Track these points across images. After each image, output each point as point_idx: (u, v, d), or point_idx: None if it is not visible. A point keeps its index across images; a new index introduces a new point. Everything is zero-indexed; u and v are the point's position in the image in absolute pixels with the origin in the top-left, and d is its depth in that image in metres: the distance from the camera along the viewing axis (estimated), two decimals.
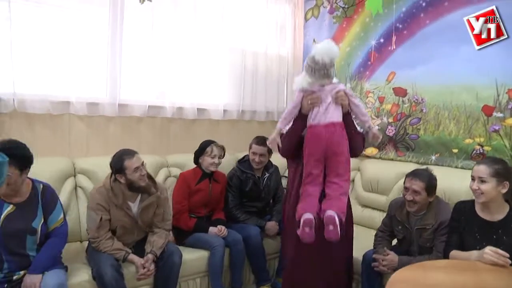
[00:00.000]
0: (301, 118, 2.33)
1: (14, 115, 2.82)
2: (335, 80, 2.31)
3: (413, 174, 2.54)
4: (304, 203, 2.24)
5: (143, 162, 2.51)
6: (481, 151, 3.11)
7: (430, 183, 2.48)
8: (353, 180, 3.70)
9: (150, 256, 2.50)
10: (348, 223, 2.41)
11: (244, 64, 3.87)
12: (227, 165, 3.31)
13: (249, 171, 3.17)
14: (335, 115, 2.26)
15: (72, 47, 2.98)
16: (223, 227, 2.95)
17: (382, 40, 3.63)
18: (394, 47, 3.54)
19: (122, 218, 2.50)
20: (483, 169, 2.14)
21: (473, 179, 2.19)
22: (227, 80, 3.84)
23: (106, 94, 3.18)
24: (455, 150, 3.23)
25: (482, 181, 2.12)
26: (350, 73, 3.89)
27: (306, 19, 4.25)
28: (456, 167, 3.18)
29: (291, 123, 2.37)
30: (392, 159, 3.61)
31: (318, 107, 2.25)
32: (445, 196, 2.89)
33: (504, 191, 2.13)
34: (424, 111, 3.40)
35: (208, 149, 3.01)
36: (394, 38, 3.53)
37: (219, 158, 3.02)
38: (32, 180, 2.27)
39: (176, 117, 3.55)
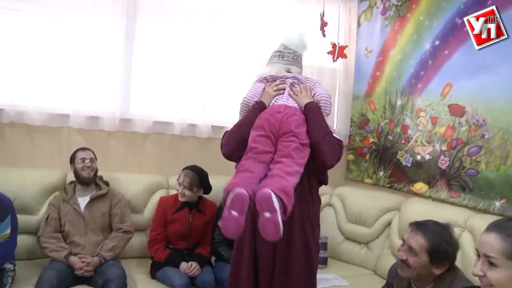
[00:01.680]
0: (258, 107, 1.85)
1: (14, 125, 2.84)
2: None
3: (416, 225, 1.75)
4: (236, 178, 1.58)
5: (93, 158, 2.61)
6: None
7: (438, 247, 1.64)
8: (389, 224, 2.86)
9: (95, 258, 2.37)
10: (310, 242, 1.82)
11: None
12: None
13: None
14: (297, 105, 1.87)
15: (74, 58, 2.91)
16: (195, 264, 2.49)
17: (437, 43, 2.77)
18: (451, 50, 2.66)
19: (69, 212, 2.49)
20: (492, 242, 1.22)
21: (478, 255, 1.28)
22: None
23: (110, 108, 3.03)
24: None
25: (491, 263, 1.21)
26: (401, 86, 3.06)
27: (359, 24, 3.55)
28: None
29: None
30: (443, 201, 2.68)
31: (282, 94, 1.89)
32: None
33: None
34: (486, 136, 2.43)
35: (180, 174, 2.61)
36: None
37: (185, 188, 2.55)
38: None
39: (187, 135, 3.23)
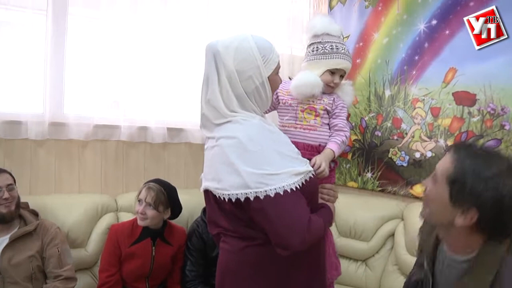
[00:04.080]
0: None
1: None
2: None
3: (457, 147, 1.19)
4: None
5: (10, 184, 1.90)
6: None
7: (464, 178, 1.09)
8: (392, 235, 2.45)
9: None
10: None
11: None
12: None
13: None
14: None
15: None
16: None
17: (435, 22, 2.41)
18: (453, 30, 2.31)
19: None
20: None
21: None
22: None
23: (36, 110, 2.32)
24: None
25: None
26: (389, 74, 2.67)
27: (331, 7, 3.12)
28: None
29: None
30: None
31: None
32: None
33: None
34: (507, 127, 2.09)
35: (141, 189, 1.99)
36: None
37: (148, 206, 1.94)
38: None
39: (138, 141, 2.60)
